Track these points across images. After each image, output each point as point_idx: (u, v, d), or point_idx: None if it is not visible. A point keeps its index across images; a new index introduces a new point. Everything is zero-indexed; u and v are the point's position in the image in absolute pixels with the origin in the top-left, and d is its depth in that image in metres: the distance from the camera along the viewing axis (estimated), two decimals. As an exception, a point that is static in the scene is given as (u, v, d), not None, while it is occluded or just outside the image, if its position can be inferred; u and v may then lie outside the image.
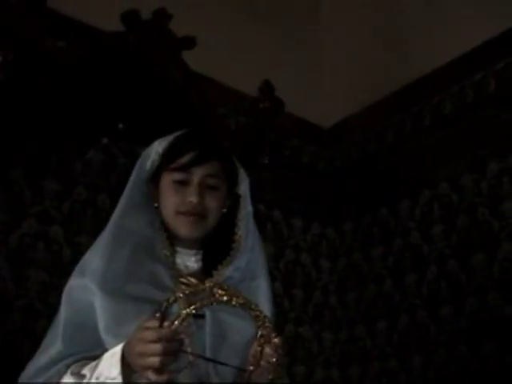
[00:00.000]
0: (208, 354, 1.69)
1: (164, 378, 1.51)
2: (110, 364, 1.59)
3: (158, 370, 1.50)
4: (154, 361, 1.50)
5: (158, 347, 1.50)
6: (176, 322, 1.55)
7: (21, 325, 2.33)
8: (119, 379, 1.57)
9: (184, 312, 1.57)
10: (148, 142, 1.98)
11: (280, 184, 3.17)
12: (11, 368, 1.86)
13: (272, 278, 2.37)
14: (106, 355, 1.62)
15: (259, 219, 2.43)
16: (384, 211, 3.24)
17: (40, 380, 1.71)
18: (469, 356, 2.75)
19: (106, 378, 1.59)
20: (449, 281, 2.90)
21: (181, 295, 1.63)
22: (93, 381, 1.62)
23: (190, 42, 2.61)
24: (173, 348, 1.52)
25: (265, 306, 1.83)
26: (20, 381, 1.75)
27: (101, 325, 1.70)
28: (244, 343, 1.72)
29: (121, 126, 2.53)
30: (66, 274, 1.96)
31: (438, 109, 3.05)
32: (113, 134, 2.58)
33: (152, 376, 1.51)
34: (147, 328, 1.54)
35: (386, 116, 3.27)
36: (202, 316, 1.73)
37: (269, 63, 3.24)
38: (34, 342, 1.88)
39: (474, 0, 3.01)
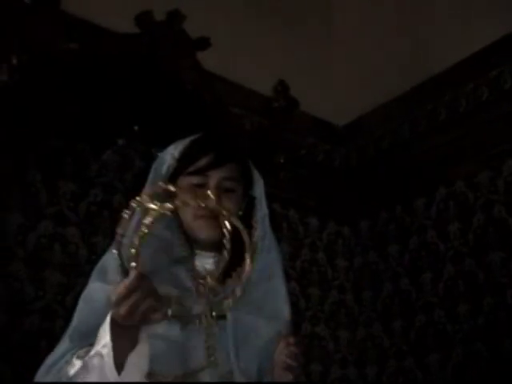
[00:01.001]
0: (231, 355, 1.70)
1: (165, 310, 1.53)
2: (102, 336, 1.58)
3: (157, 308, 1.51)
4: (148, 301, 1.50)
5: (143, 291, 1.49)
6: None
7: (38, 325, 2.34)
8: (109, 345, 1.55)
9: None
10: (163, 143, 1.98)
11: (295, 183, 3.17)
12: (28, 368, 1.86)
13: (288, 277, 2.37)
14: (100, 331, 1.60)
15: (275, 218, 2.43)
16: (400, 209, 3.23)
17: (50, 375, 1.71)
18: (486, 354, 2.74)
19: (101, 347, 1.58)
20: (466, 279, 2.89)
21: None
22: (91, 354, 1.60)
23: (204, 43, 2.61)
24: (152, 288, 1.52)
25: (282, 307, 1.85)
26: (35, 381, 1.76)
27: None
28: (265, 342, 1.75)
29: (136, 127, 2.54)
30: (82, 275, 1.96)
31: (454, 106, 3.03)
32: (128, 135, 2.59)
33: (156, 316, 1.51)
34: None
35: (401, 113, 3.25)
36: (224, 317, 1.75)
37: (283, 62, 3.24)
38: (51, 342, 1.88)
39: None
